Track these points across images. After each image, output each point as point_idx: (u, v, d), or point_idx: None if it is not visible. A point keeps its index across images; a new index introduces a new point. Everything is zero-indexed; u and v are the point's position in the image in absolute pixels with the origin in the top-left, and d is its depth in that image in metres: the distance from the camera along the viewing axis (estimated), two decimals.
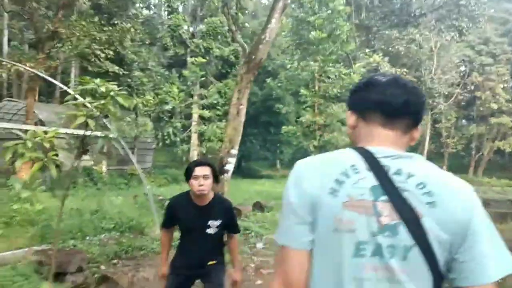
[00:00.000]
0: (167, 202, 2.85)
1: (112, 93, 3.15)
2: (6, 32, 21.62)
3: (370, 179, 1.01)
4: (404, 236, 0.97)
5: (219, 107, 21.10)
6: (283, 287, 1.04)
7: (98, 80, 3.24)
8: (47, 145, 2.71)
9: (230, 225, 2.84)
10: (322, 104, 14.45)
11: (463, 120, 36.79)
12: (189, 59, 21.62)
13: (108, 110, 3.03)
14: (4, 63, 10.34)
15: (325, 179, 1.03)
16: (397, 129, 1.11)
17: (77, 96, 3.51)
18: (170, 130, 20.17)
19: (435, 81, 26.59)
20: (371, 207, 0.99)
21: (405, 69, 24.44)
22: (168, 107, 19.38)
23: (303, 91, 14.33)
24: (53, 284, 3.54)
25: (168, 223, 2.89)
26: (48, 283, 3.42)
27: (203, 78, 21.11)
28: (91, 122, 2.88)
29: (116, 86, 3.30)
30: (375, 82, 1.16)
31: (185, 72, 20.42)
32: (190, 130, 21.56)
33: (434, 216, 0.98)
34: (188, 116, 22.57)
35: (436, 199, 0.99)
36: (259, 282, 5.14)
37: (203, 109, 20.94)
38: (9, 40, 23.09)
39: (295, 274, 1.03)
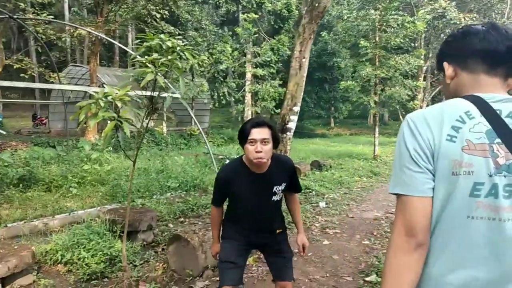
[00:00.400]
0: (224, 161, 2.55)
1: (178, 48, 3.00)
2: None
3: (485, 123, 1.05)
4: None
5: (272, 65, 20.63)
6: (404, 233, 1.08)
7: (162, 35, 3.09)
8: (119, 104, 2.65)
9: (293, 185, 2.49)
10: (384, 56, 13.48)
11: None
12: (241, 16, 21.10)
13: (176, 66, 2.90)
14: (67, 27, 10.66)
15: (441, 127, 1.07)
16: (499, 76, 1.13)
17: (138, 57, 3.40)
18: (225, 90, 20.17)
19: (509, 26, 23.68)
20: (488, 150, 1.03)
21: (474, 15, 22.09)
22: (222, 66, 19.26)
23: (362, 42, 13.38)
24: (126, 242, 3.63)
25: (220, 201, 2.48)
26: (121, 241, 3.52)
27: (255, 35, 20.59)
28: (160, 79, 2.77)
29: (181, 41, 3.15)
30: (474, 30, 1.16)
31: (238, 30, 20.01)
32: (244, 90, 21.43)
33: None
34: (242, 75, 22.39)
35: None
36: (326, 242, 5.03)
37: (256, 67, 20.60)
38: (69, 7, 23.95)
39: (418, 220, 1.07)
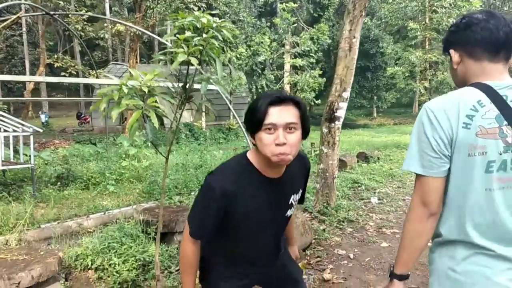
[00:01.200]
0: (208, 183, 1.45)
1: (214, 25, 2.55)
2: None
3: (494, 110, 1.19)
4: None
5: (312, 55, 19.92)
6: (421, 205, 1.28)
7: (197, 13, 2.65)
8: (146, 90, 2.24)
9: (303, 192, 1.74)
10: (435, 39, 12.47)
11: None
12: (279, 6, 20.55)
13: (212, 45, 2.46)
14: (105, 24, 10.63)
15: (458, 116, 1.20)
16: (501, 60, 1.26)
17: (168, 41, 2.98)
18: (264, 82, 19.74)
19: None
20: (498, 132, 1.18)
21: None
22: (260, 58, 18.83)
23: (411, 25, 12.46)
24: (161, 245, 3.27)
25: (210, 230, 1.49)
26: (155, 244, 3.16)
27: (294, 25, 19.95)
28: (194, 60, 2.33)
29: (218, 18, 2.70)
30: (475, 20, 1.26)
31: (276, 20, 19.46)
32: (283, 81, 20.89)
33: None
34: (280, 67, 21.85)
35: None
36: (384, 244, 4.45)
37: (295, 58, 19.98)
38: (110, 8, 24.50)
39: (432, 195, 1.26)
